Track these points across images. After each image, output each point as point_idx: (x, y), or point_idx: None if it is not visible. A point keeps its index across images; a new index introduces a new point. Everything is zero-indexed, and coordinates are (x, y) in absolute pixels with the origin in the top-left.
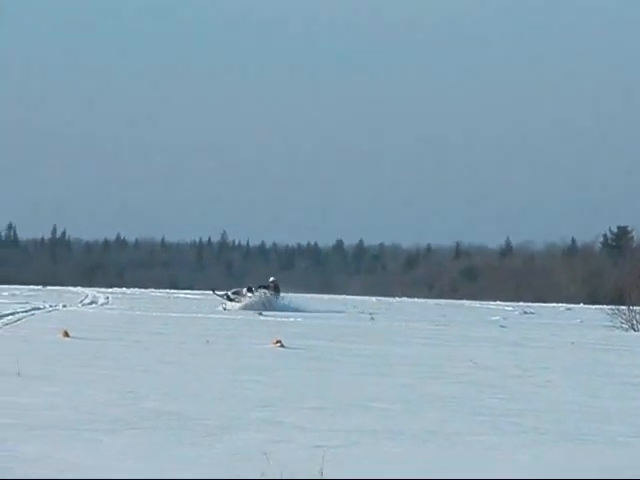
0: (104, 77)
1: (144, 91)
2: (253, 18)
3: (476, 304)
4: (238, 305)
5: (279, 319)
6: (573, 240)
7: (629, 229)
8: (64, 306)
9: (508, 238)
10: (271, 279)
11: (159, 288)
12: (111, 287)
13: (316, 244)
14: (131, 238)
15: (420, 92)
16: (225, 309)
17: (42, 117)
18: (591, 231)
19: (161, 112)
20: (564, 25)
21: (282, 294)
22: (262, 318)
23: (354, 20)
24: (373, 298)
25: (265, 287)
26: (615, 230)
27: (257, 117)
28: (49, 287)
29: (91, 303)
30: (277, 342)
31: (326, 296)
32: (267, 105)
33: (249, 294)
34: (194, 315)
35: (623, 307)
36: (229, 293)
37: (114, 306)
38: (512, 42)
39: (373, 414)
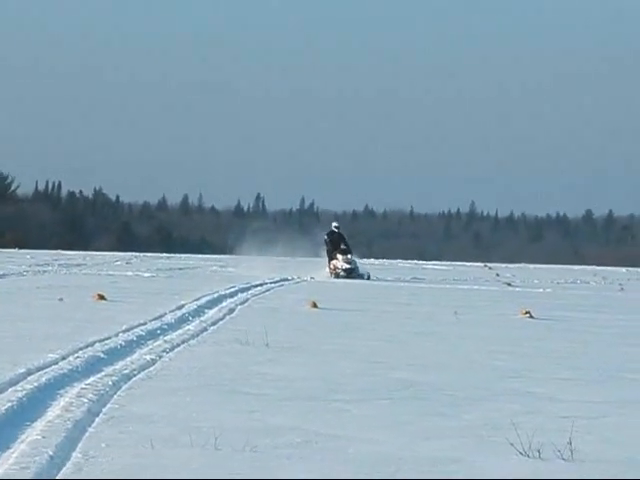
0: None
1: None
2: None
3: None
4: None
5: (528, 290)
6: None
7: None
8: (312, 277)
9: None
10: (334, 224)
11: (406, 259)
12: (360, 258)
13: (565, 215)
14: (379, 209)
15: None
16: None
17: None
18: None
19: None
20: None
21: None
22: (510, 289)
23: None
24: (623, 269)
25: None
26: None
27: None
28: (298, 258)
29: None
30: (526, 313)
31: (575, 267)
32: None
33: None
34: (441, 286)
35: None
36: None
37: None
38: None
39: (625, 385)
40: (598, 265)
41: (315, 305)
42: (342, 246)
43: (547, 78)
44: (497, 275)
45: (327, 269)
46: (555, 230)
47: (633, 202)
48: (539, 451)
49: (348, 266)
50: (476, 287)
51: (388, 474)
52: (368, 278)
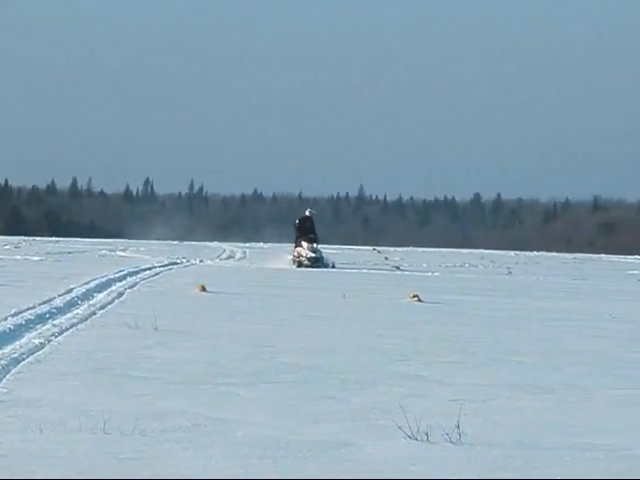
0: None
1: None
2: None
3: (614, 258)
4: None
5: (416, 273)
6: None
7: None
8: (201, 261)
9: None
10: (308, 210)
11: None
12: (248, 242)
13: (453, 198)
14: (268, 193)
15: None
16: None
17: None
18: None
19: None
20: None
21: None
22: (398, 272)
23: None
24: (511, 252)
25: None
26: None
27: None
28: (186, 242)
29: (228, 258)
30: (414, 296)
31: (464, 250)
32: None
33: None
34: (330, 269)
35: None
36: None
37: (251, 261)
38: None
39: (511, 368)
40: (486, 249)
41: (204, 289)
42: (310, 234)
43: (430, 65)
44: (386, 259)
45: (290, 256)
46: (443, 213)
47: (521, 186)
48: (427, 434)
49: (313, 255)
50: (365, 270)
51: (277, 457)
52: (333, 267)
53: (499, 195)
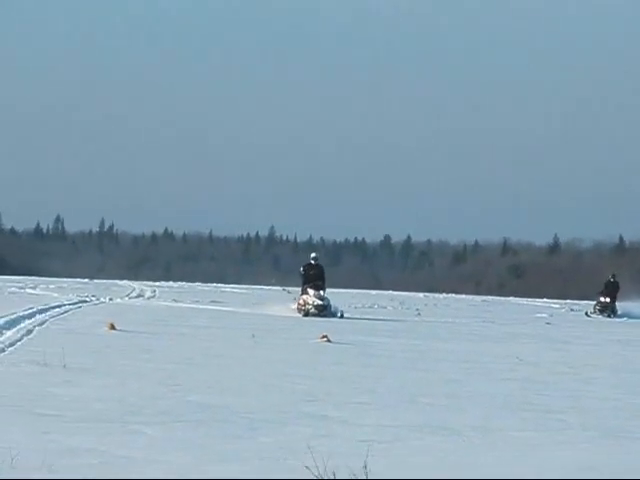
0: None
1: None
2: None
3: (523, 301)
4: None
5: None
6: (621, 238)
7: None
8: (111, 299)
9: (556, 235)
10: (313, 255)
11: (206, 282)
12: (158, 281)
13: (363, 240)
14: (179, 232)
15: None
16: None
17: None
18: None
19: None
20: None
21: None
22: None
23: None
24: (420, 294)
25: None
26: None
27: (303, 115)
28: (96, 280)
29: (138, 296)
30: (324, 337)
31: (373, 292)
32: (309, 102)
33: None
34: (240, 310)
35: None
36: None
37: (161, 299)
38: None
39: (419, 409)
40: (396, 290)
41: (113, 327)
42: (317, 282)
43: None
44: (295, 299)
45: (295, 305)
46: (353, 254)
47: (431, 228)
48: (334, 474)
49: (320, 302)
50: (275, 311)
51: None
52: (341, 316)
53: (409, 237)
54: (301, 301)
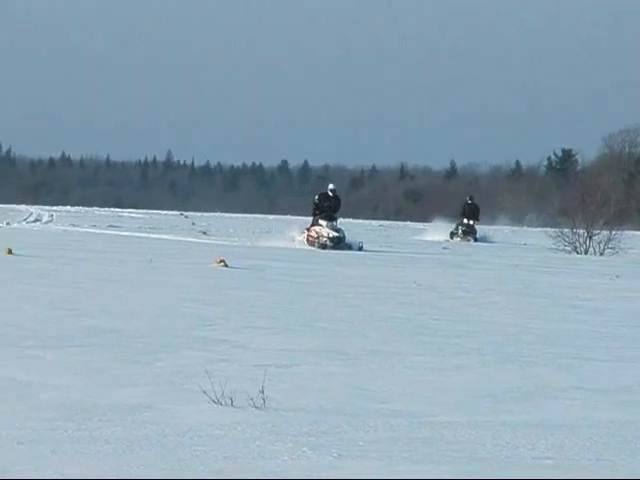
0: None
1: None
2: None
3: (420, 226)
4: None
5: (222, 238)
6: (518, 163)
7: (573, 152)
8: (7, 224)
9: (453, 160)
10: (331, 187)
11: (103, 207)
12: (56, 205)
13: (261, 165)
14: (76, 156)
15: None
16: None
17: None
18: (536, 154)
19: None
20: None
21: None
22: (205, 237)
23: None
24: None
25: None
26: (560, 153)
27: (207, 34)
28: None
29: (35, 221)
30: (221, 261)
31: (271, 216)
32: (218, 22)
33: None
34: (137, 234)
35: (566, 230)
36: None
37: (59, 224)
38: None
39: (317, 334)
40: (293, 215)
41: (10, 251)
42: (331, 212)
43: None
44: (193, 224)
45: (301, 236)
46: (251, 180)
47: (328, 153)
48: (232, 399)
49: (336, 234)
50: (172, 235)
51: (82, 420)
52: (360, 249)
53: (306, 162)
54: (313, 233)
